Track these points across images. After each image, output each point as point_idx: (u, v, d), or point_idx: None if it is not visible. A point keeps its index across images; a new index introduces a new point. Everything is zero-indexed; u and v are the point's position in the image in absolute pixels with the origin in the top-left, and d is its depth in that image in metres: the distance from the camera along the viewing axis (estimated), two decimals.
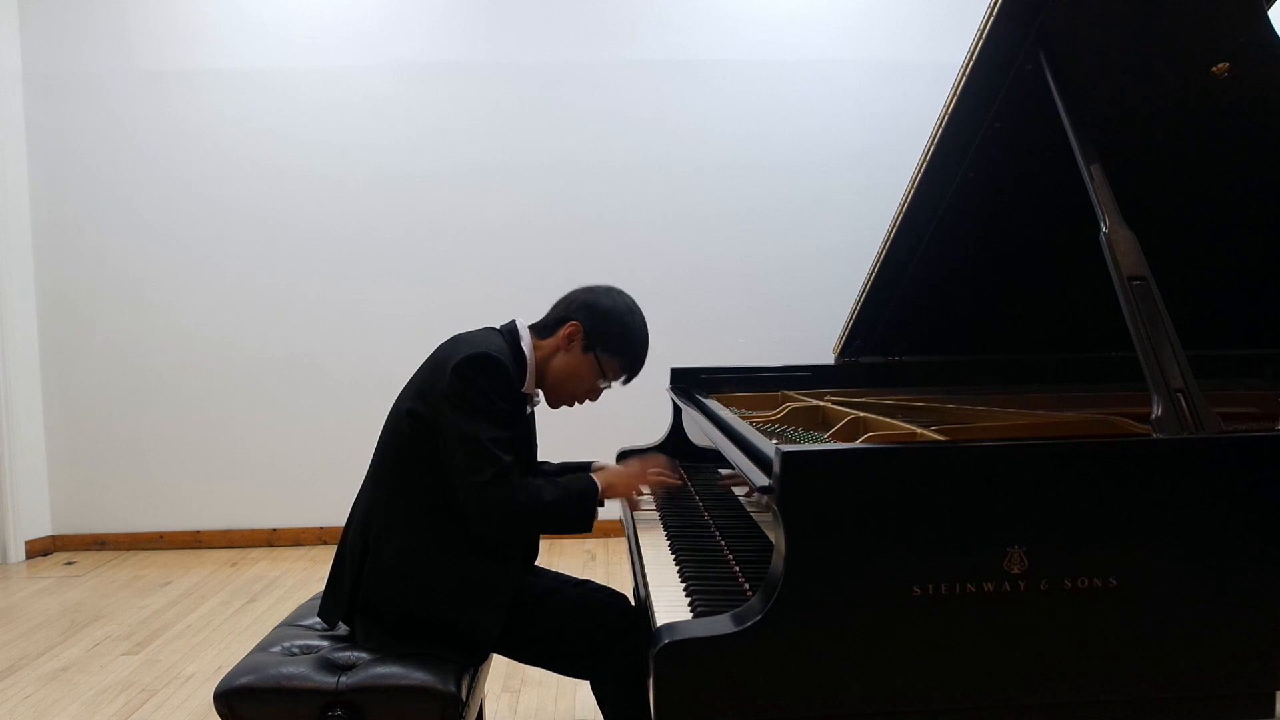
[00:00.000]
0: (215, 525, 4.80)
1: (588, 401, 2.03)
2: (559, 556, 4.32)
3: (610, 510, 2.23)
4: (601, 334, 1.93)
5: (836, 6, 4.74)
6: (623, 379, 2.00)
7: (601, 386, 1.99)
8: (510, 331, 1.95)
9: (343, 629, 1.91)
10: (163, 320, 4.73)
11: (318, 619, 1.96)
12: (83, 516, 4.79)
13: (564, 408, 2.05)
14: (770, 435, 1.98)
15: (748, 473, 1.52)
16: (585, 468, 2.20)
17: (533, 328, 1.98)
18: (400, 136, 4.71)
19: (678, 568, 1.69)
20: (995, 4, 1.80)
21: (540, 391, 2.00)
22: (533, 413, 2.05)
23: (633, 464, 2.11)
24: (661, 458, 2.21)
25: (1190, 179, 2.13)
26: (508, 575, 1.82)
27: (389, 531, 1.82)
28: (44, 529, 4.75)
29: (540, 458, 2.15)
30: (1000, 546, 1.31)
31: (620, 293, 1.99)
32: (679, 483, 2.08)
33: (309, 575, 4.22)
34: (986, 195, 2.18)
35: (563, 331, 1.93)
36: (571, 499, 1.83)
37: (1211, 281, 2.28)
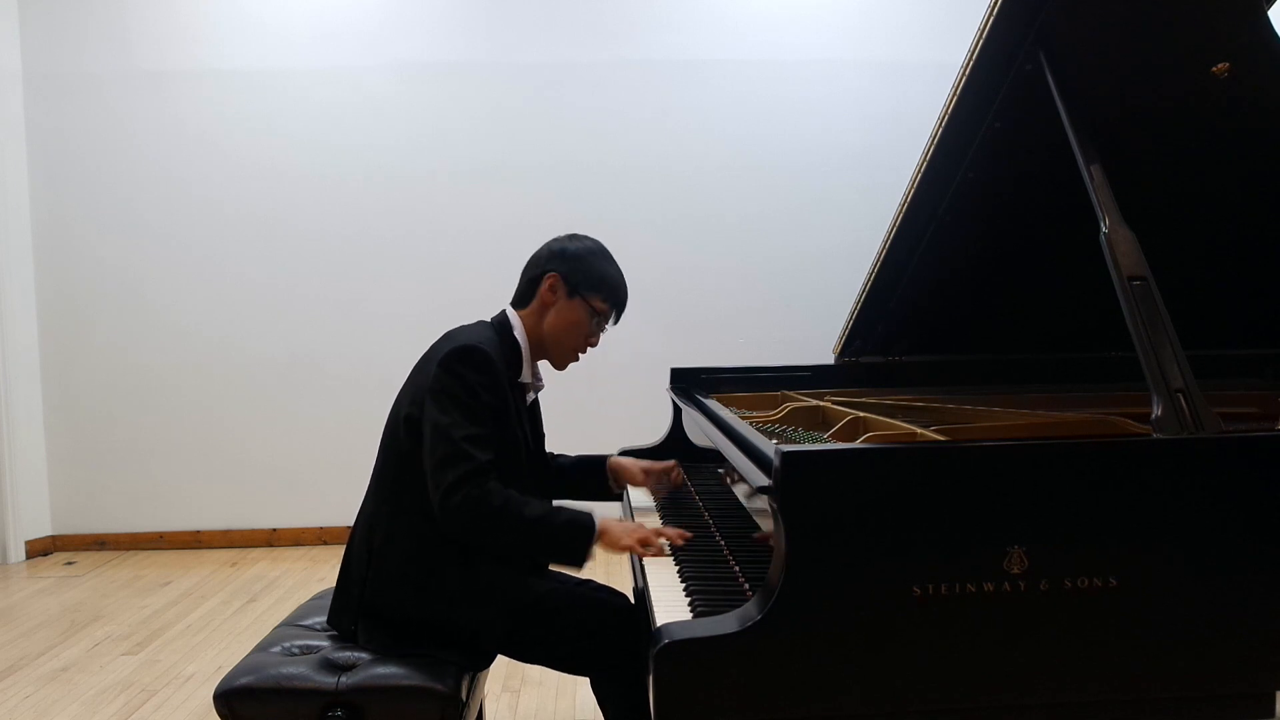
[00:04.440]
0: (215, 525, 4.80)
1: (589, 350, 1.99)
2: None
3: (611, 508, 2.23)
4: (581, 275, 1.92)
5: (836, 6, 4.73)
6: (612, 317, 1.98)
7: (597, 330, 1.97)
8: (501, 323, 1.94)
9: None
10: (163, 320, 4.73)
11: (318, 619, 1.96)
12: (83, 516, 4.78)
13: (572, 373, 2.04)
14: (770, 435, 1.98)
15: (747, 473, 1.52)
16: (601, 462, 2.19)
17: (512, 304, 1.98)
18: (400, 136, 4.70)
19: (678, 568, 1.69)
20: (995, 4, 1.80)
21: (540, 376, 2.00)
22: (536, 400, 2.04)
23: (640, 524, 1.87)
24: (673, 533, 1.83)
25: (1190, 179, 2.12)
26: (512, 578, 1.82)
27: (391, 539, 1.82)
28: (44, 529, 4.75)
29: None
30: (1000, 546, 1.31)
31: (583, 235, 2.00)
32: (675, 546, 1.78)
33: (309, 575, 4.22)
34: (986, 195, 2.18)
35: (543, 286, 1.92)
36: (558, 526, 1.73)
37: (1211, 281, 2.28)
